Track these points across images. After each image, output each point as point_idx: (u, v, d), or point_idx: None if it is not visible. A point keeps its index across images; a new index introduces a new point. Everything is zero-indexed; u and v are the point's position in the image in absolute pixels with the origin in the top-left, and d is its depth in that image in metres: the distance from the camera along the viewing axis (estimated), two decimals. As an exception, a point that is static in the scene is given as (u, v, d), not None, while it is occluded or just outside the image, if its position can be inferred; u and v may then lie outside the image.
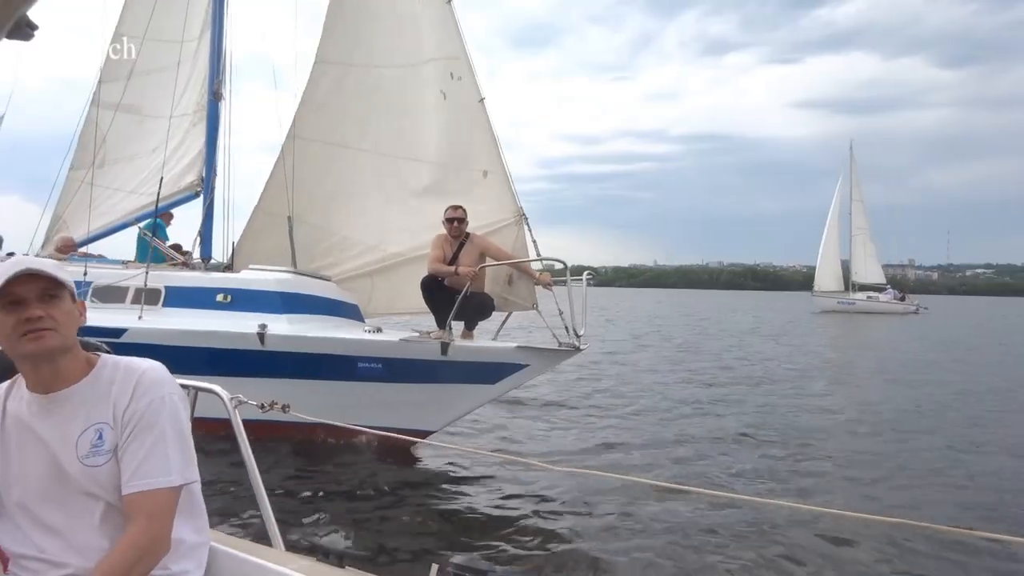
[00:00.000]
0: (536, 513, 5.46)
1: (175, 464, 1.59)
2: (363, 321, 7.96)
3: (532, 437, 8.23)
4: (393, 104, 8.58)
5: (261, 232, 9.42)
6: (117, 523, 1.58)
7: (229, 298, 7.33)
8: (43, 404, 1.62)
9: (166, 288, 7.51)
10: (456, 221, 6.81)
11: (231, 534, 1.96)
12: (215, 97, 8.81)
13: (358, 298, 8.18)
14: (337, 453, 6.93)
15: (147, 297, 7.40)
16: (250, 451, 2.11)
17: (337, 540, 4.32)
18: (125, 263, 8.85)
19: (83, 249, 9.37)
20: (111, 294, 7.62)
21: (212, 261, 8.87)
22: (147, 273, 7.50)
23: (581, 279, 6.50)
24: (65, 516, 1.58)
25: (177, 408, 1.66)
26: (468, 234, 6.87)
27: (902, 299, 52.41)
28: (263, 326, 6.87)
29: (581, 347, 6.39)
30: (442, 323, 6.77)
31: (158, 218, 9.79)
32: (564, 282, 6.47)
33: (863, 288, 52.55)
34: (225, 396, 2.20)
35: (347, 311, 7.86)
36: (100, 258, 9.45)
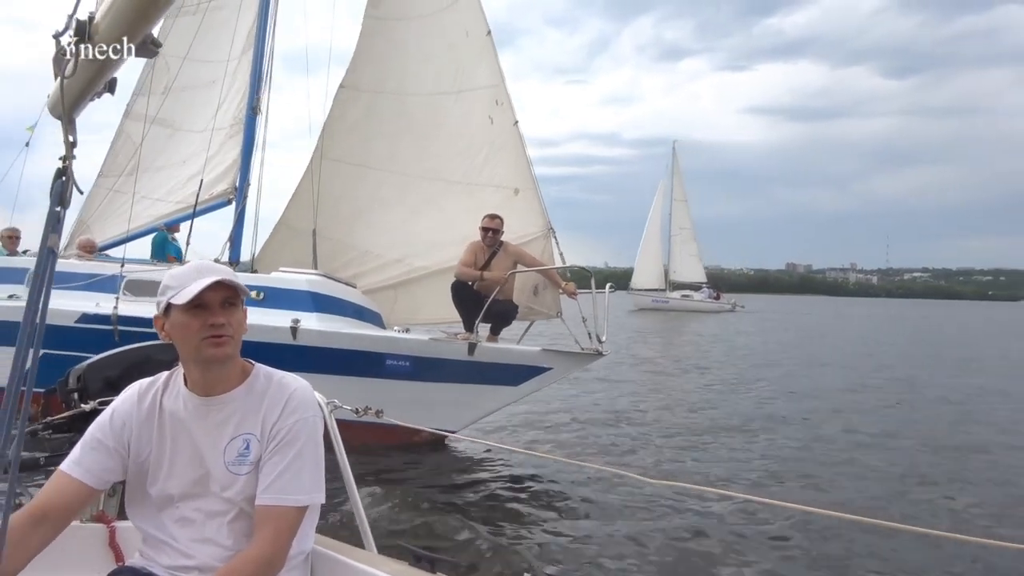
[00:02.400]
0: (632, 527, 5.31)
1: (307, 484, 1.65)
2: (385, 327, 8.25)
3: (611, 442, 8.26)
4: (425, 128, 9.09)
5: (283, 244, 9.79)
6: (245, 528, 1.65)
7: (262, 295, 7.58)
8: (199, 405, 1.69)
9: None
10: (491, 231, 7.17)
11: (322, 533, 1.96)
12: (253, 111, 9.23)
13: (380, 308, 8.49)
14: (412, 453, 7.07)
15: None
16: (344, 454, 2.14)
17: (426, 544, 4.39)
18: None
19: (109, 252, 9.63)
20: (145, 288, 7.84)
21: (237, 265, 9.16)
22: (182, 268, 7.76)
23: (603, 289, 6.87)
24: (201, 512, 1.67)
25: (318, 430, 1.72)
26: (502, 243, 7.23)
27: (716, 298, 54.48)
28: (296, 321, 7.13)
29: (604, 352, 6.72)
30: (469, 326, 7.08)
31: (166, 231, 10.13)
32: (585, 291, 6.88)
33: (679, 287, 53.86)
34: (321, 400, 2.23)
35: (371, 317, 8.14)
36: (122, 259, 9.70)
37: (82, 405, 2.34)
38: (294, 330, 7.07)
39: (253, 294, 7.66)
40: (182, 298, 1.63)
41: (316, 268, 8.94)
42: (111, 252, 9.96)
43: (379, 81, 9.78)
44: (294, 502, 1.63)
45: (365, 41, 10.12)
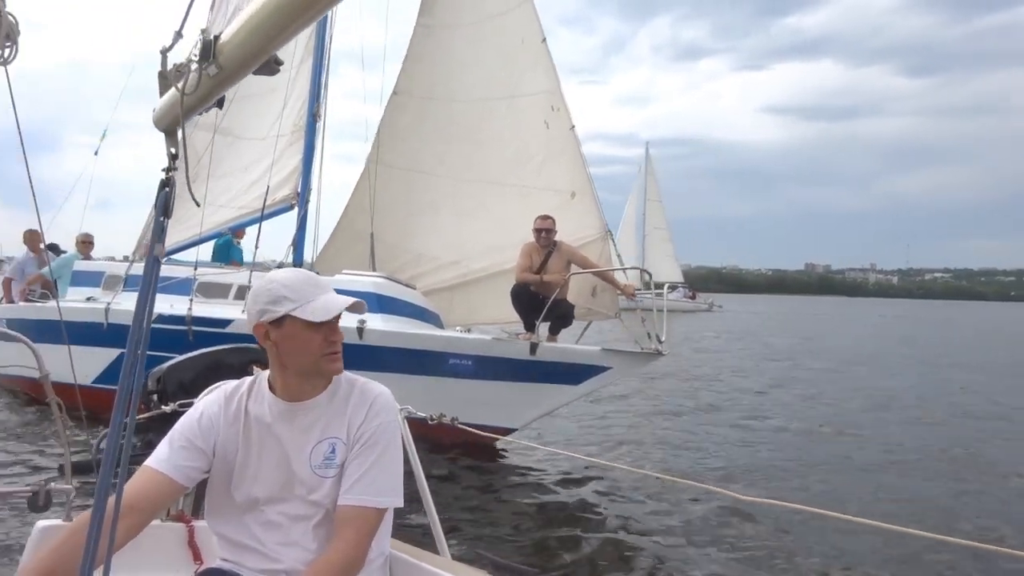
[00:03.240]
0: (717, 543, 5.13)
1: (388, 486, 1.68)
2: (444, 328, 8.48)
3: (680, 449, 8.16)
4: (476, 133, 9.32)
5: (342, 247, 10.11)
6: (330, 532, 1.68)
7: None
8: (285, 410, 1.71)
9: None
10: (544, 232, 7.35)
11: (395, 537, 1.98)
12: (314, 118, 9.53)
13: (437, 309, 8.72)
14: (477, 456, 7.03)
15: None
16: (418, 459, 2.15)
17: (501, 553, 4.54)
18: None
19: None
20: (215, 290, 8.19)
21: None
22: (251, 273, 8.07)
23: (662, 290, 7.01)
24: (287, 516, 1.69)
25: (398, 434, 1.76)
26: (556, 243, 7.41)
27: (692, 297, 54.72)
28: (362, 321, 7.38)
29: (663, 352, 6.86)
30: (530, 326, 7.27)
31: (230, 234, 10.50)
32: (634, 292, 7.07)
33: (657, 287, 53.38)
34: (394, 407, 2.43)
35: (431, 318, 8.38)
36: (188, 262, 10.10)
37: (162, 407, 2.42)
38: (360, 330, 7.31)
39: None
40: (312, 314, 1.65)
41: (374, 271, 9.23)
42: (177, 256, 10.35)
43: (430, 87, 10.03)
44: (375, 503, 1.65)
45: (416, 48, 10.39)
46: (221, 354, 2.55)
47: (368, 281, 8.02)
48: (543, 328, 7.33)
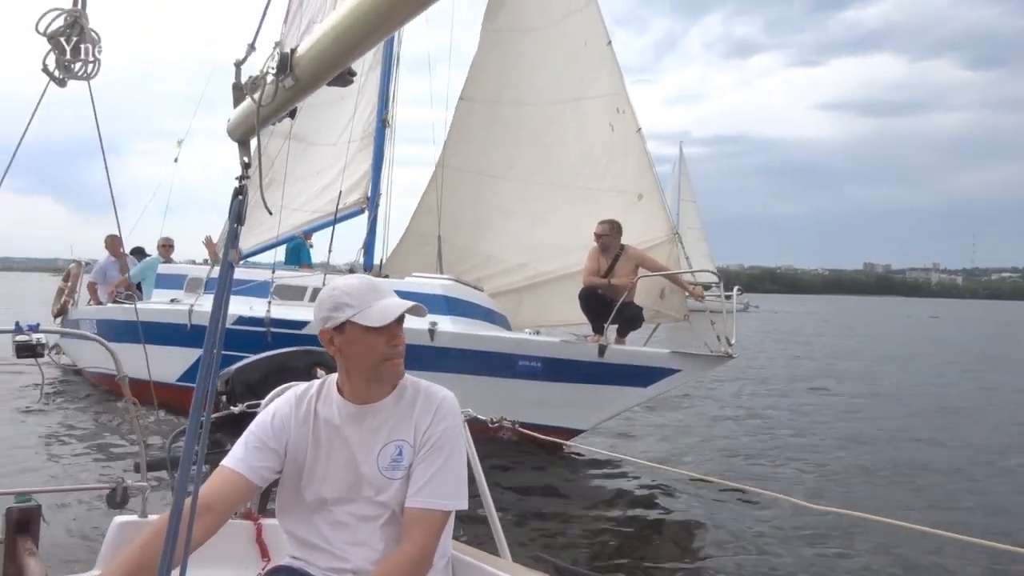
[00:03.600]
0: (780, 551, 5.01)
1: (453, 489, 1.70)
2: (511, 330, 8.59)
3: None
4: (543, 136, 9.40)
5: (411, 250, 10.32)
6: (396, 532, 1.70)
7: None
8: (353, 412, 1.75)
9: None
10: (602, 237, 7.37)
11: (456, 539, 1.99)
12: (383, 124, 9.76)
13: (505, 311, 8.84)
14: (540, 458, 7.00)
15: None
16: (479, 462, 2.17)
17: (561, 555, 4.54)
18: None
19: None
20: (291, 293, 8.46)
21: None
22: (325, 276, 8.33)
23: (732, 292, 6.97)
24: (354, 517, 1.72)
25: (463, 437, 1.80)
26: (623, 246, 7.43)
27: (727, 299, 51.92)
28: (433, 324, 7.54)
29: (733, 354, 6.83)
30: (599, 329, 7.32)
31: (301, 238, 10.82)
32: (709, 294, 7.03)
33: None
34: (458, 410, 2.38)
35: (500, 320, 8.50)
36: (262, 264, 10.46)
37: (231, 408, 2.46)
38: (432, 332, 7.47)
39: None
40: (370, 320, 1.68)
41: (441, 273, 9.40)
42: (253, 259, 10.73)
43: (497, 92, 10.16)
44: (442, 506, 1.68)
45: (483, 53, 10.53)
46: (286, 357, 2.60)
47: (437, 284, 8.18)
48: (611, 331, 7.36)
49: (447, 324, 7.66)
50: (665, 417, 9.90)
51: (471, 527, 3.44)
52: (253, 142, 1.44)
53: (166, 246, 10.36)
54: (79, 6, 1.59)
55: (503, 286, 9.27)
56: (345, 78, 1.28)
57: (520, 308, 9.07)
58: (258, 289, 8.37)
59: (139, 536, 1.75)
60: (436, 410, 1.74)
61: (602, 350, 7.14)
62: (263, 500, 2.29)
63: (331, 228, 10.36)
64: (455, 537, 1.89)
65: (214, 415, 2.42)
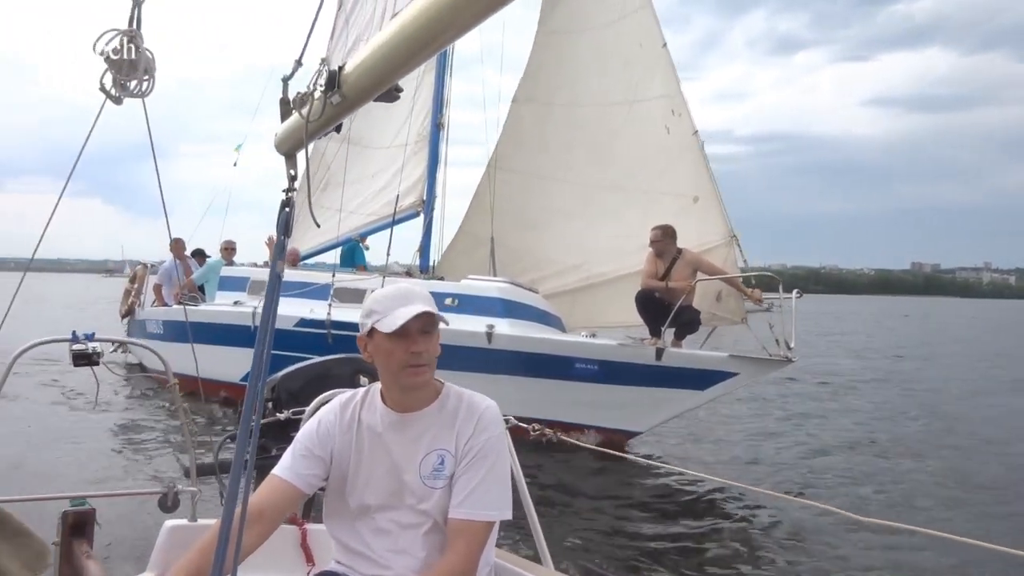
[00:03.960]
0: (824, 562, 4.85)
1: (497, 500, 1.70)
2: (565, 331, 8.66)
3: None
4: (598, 138, 9.43)
5: (463, 251, 10.46)
6: (437, 541, 1.71)
7: (456, 302, 8.18)
8: (395, 421, 1.75)
9: None
10: (656, 243, 7.38)
11: (498, 546, 1.96)
12: (438, 127, 9.91)
13: (559, 312, 8.91)
14: (586, 464, 6.79)
15: None
16: (520, 469, 2.14)
17: (604, 565, 4.52)
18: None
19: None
20: (350, 295, 8.65)
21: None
22: (384, 279, 8.50)
23: (791, 295, 6.92)
24: (396, 524, 1.73)
25: (505, 447, 1.78)
26: (680, 250, 7.44)
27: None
28: (490, 326, 7.65)
29: (793, 358, 6.79)
30: (656, 332, 7.34)
31: (356, 241, 11.02)
32: (767, 297, 6.99)
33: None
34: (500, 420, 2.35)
35: (554, 321, 8.58)
36: (320, 265, 10.72)
37: (276, 414, 2.49)
38: (489, 335, 7.58)
39: (448, 301, 8.29)
40: (386, 326, 1.69)
41: (495, 274, 9.51)
42: (310, 261, 11.01)
43: (551, 93, 10.21)
44: (485, 517, 1.68)
45: (537, 55, 10.59)
46: (330, 364, 2.63)
47: (493, 286, 8.29)
48: (667, 334, 7.38)
49: (504, 327, 7.76)
50: (718, 421, 9.78)
51: (515, 535, 3.46)
52: (300, 155, 1.45)
53: (228, 249, 10.67)
54: (135, 26, 1.64)
55: (557, 287, 9.33)
56: (392, 94, 1.30)
57: (574, 309, 9.13)
58: (318, 292, 8.58)
59: (189, 540, 1.84)
60: (478, 420, 1.73)
61: (659, 353, 7.17)
62: (308, 506, 2.31)
63: (386, 230, 10.59)
64: (498, 544, 1.88)
65: (261, 421, 2.38)
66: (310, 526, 2.29)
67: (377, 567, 1.70)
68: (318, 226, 10.77)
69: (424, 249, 9.85)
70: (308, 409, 2.17)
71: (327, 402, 1.90)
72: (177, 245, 10.71)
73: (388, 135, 10.95)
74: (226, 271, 10.13)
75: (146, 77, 1.69)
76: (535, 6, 10.86)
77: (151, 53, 1.66)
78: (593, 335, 7.85)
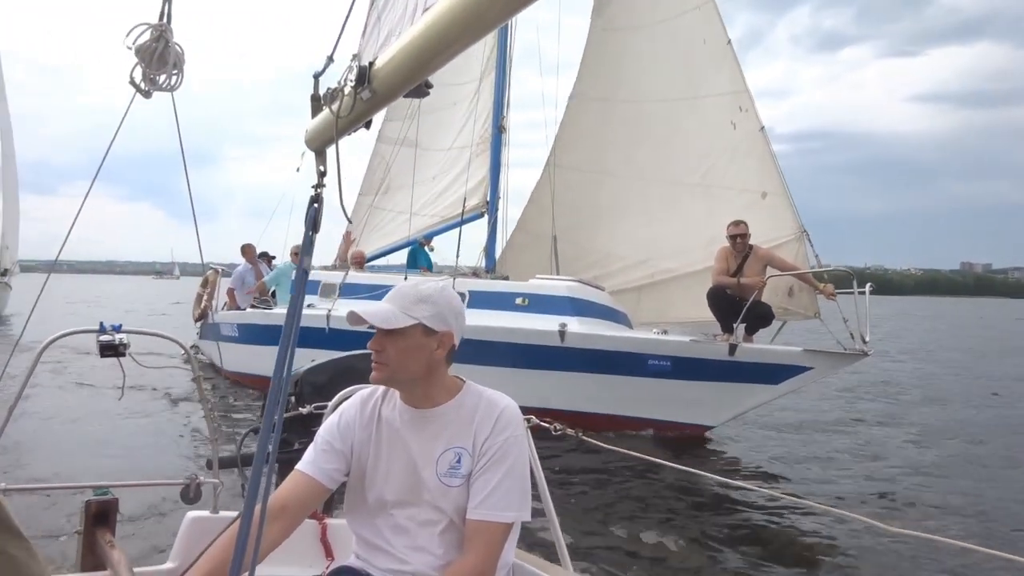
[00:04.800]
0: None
1: (516, 501, 1.69)
2: (632, 327, 8.79)
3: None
4: (659, 134, 9.52)
5: (523, 248, 10.64)
6: (454, 539, 1.71)
7: (527, 301, 8.37)
8: (413, 417, 1.76)
9: (470, 292, 8.67)
10: (739, 237, 7.47)
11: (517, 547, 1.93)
12: (499, 130, 10.08)
13: (624, 308, 9.04)
14: (612, 467, 6.56)
15: None
16: (540, 467, 2.14)
17: (623, 566, 4.47)
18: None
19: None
20: (421, 297, 8.90)
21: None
22: (454, 279, 8.73)
23: (864, 289, 6.95)
24: (414, 521, 1.73)
25: (525, 447, 1.76)
26: (751, 247, 7.51)
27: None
28: (563, 325, 7.82)
29: (868, 352, 6.84)
30: (728, 328, 7.43)
31: (420, 244, 11.27)
32: (841, 292, 7.04)
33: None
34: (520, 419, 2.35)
35: (621, 318, 8.71)
36: (388, 267, 11.00)
37: (299, 409, 2.51)
38: (562, 333, 7.75)
39: (519, 300, 8.48)
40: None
41: (557, 272, 9.68)
42: (376, 262, 11.29)
43: (609, 89, 10.31)
44: (504, 518, 1.67)
45: (592, 51, 10.70)
46: (352, 359, 2.64)
47: (562, 285, 8.45)
48: (740, 329, 7.47)
49: (575, 325, 7.92)
50: (759, 420, 9.02)
51: (531, 533, 3.41)
52: (330, 151, 1.45)
53: (298, 253, 10.97)
54: (165, 21, 1.64)
55: (622, 283, 9.46)
56: (422, 90, 1.30)
57: (639, 305, 9.26)
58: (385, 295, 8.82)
59: (211, 531, 1.91)
60: (497, 419, 1.72)
61: (732, 349, 7.26)
62: (328, 501, 2.32)
63: (449, 231, 10.83)
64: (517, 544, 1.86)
65: (284, 415, 2.49)
66: (330, 521, 2.31)
67: (396, 562, 1.72)
68: (350, 222, 10.95)
69: (489, 250, 10.05)
70: (330, 404, 2.17)
71: (348, 397, 1.91)
72: (248, 250, 11.06)
73: (448, 137, 11.17)
74: (294, 274, 10.44)
75: (175, 71, 1.68)
76: (574, 8, 11.00)
77: (180, 47, 1.66)
78: (664, 332, 7.96)
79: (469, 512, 1.68)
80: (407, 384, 1.74)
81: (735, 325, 7.30)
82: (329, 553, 2.25)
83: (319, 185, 1.35)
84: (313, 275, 10.46)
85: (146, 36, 1.62)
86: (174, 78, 1.68)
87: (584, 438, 2.65)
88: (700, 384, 7.49)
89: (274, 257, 12.31)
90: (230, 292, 11.44)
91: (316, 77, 1.46)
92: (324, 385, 2.54)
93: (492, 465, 1.69)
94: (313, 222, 1.32)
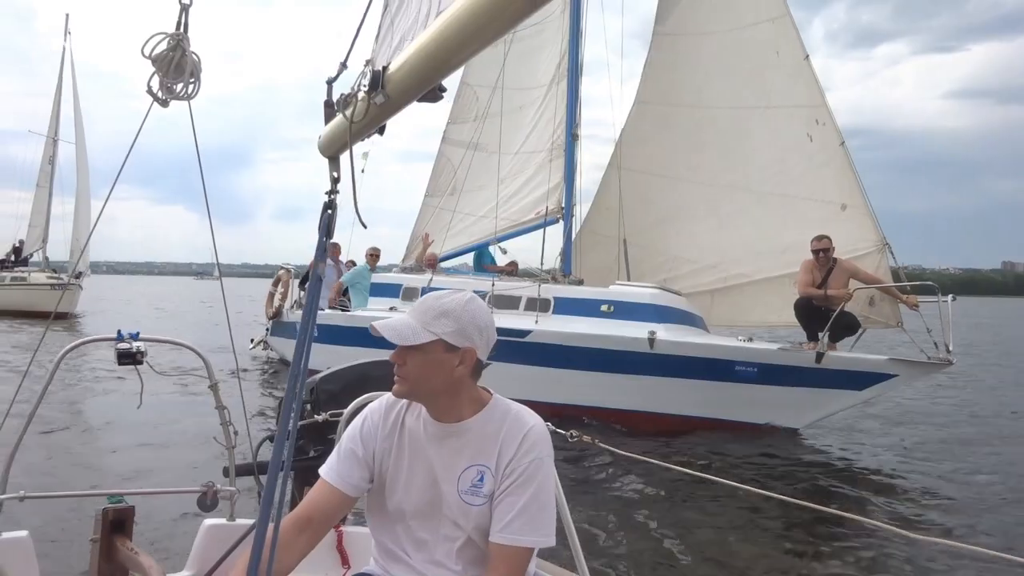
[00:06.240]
0: None
1: (541, 526, 1.64)
2: (708, 331, 9.18)
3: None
4: (727, 140, 9.83)
5: (590, 250, 11.00)
6: (472, 556, 1.67)
7: (612, 308, 8.75)
8: (436, 431, 1.71)
9: (554, 299, 9.07)
10: (822, 252, 7.82)
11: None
12: (573, 137, 10.41)
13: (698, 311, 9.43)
14: (630, 475, 6.44)
15: (540, 305, 8.99)
16: (557, 476, 2.14)
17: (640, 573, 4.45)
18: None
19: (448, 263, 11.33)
20: (506, 302, 9.27)
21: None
22: (539, 286, 9.11)
23: (947, 299, 7.32)
24: (432, 534, 1.70)
25: (551, 470, 1.71)
26: (836, 260, 7.88)
27: None
28: (652, 333, 8.21)
29: (952, 360, 7.23)
30: (813, 336, 7.83)
31: (485, 247, 11.62)
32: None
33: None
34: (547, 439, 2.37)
35: (698, 322, 9.11)
36: (457, 270, 11.38)
37: (315, 416, 2.48)
38: (651, 340, 8.15)
39: (604, 307, 8.86)
40: None
41: (628, 275, 10.05)
42: (448, 264, 11.66)
43: (673, 95, 10.60)
44: (529, 543, 1.63)
45: (656, 57, 10.98)
46: (367, 367, 2.62)
47: (646, 292, 8.83)
48: (824, 337, 7.86)
49: (662, 332, 8.31)
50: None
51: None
52: (344, 157, 1.43)
53: (373, 256, 11.35)
54: (182, 30, 1.65)
55: (693, 287, 9.82)
56: (435, 94, 1.29)
57: (712, 308, 9.63)
58: None
59: (228, 539, 1.97)
60: (523, 439, 1.66)
61: (819, 357, 7.65)
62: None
63: (522, 236, 11.19)
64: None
65: (299, 423, 2.46)
66: (346, 528, 2.32)
67: (414, 573, 1.70)
68: (364, 227, 11.18)
69: (566, 254, 10.41)
70: (346, 411, 2.16)
71: (363, 405, 1.88)
72: (335, 249, 11.46)
73: (516, 141, 11.46)
74: (376, 278, 10.81)
75: (192, 80, 1.69)
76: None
77: (197, 56, 1.67)
78: (750, 339, 8.35)
79: (492, 535, 1.63)
80: (429, 398, 1.69)
81: (820, 334, 7.69)
82: (345, 561, 2.26)
83: (332, 192, 1.34)
84: (395, 278, 10.98)
85: (163, 46, 1.63)
86: (191, 87, 1.69)
87: (602, 445, 2.55)
88: (786, 389, 7.90)
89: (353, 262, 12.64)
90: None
91: (329, 83, 1.46)
92: (339, 393, 2.52)
93: (517, 488, 1.63)
94: (327, 228, 1.31)
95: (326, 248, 1.34)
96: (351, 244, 12.25)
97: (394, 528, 1.74)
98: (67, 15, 28.30)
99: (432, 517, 1.69)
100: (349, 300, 11.06)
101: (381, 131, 1.43)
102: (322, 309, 11.36)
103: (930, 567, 4.65)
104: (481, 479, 1.65)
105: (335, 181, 1.37)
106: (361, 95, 1.34)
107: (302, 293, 12.55)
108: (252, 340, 13.54)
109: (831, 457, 7.66)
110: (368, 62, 1.42)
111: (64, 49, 27.83)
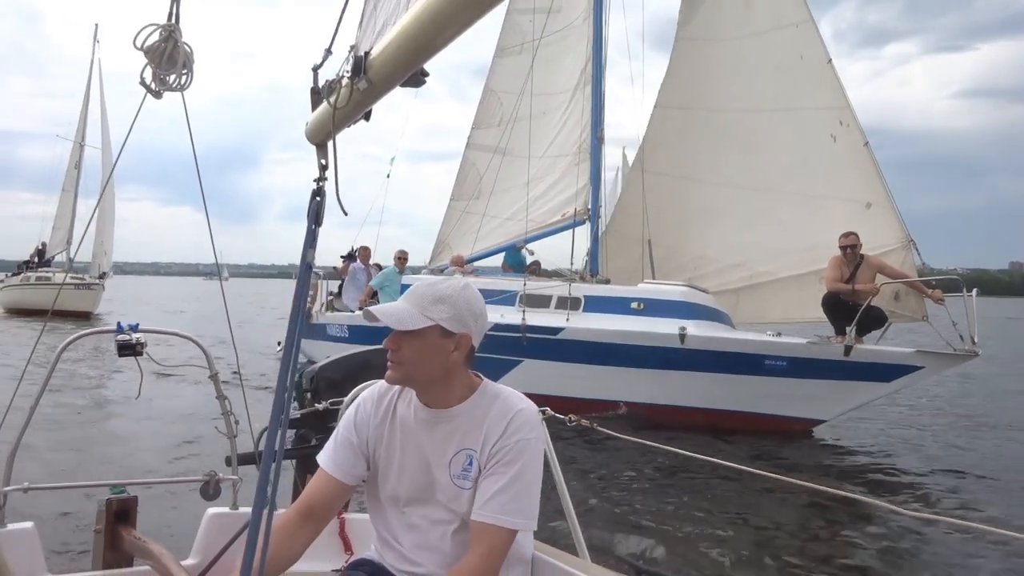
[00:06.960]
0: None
1: (523, 507, 1.64)
2: (735, 328, 9.41)
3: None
4: (749, 142, 10.07)
5: (614, 250, 11.24)
6: (465, 540, 1.67)
7: (642, 305, 8.99)
8: (427, 417, 1.72)
9: (584, 297, 9.31)
10: (849, 248, 8.06)
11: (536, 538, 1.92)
12: (598, 141, 10.67)
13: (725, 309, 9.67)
14: (634, 461, 6.60)
15: (571, 304, 9.23)
16: (556, 459, 2.13)
17: (643, 558, 4.48)
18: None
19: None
20: (537, 300, 9.51)
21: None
22: (570, 285, 9.36)
23: (971, 294, 7.54)
24: (426, 520, 1.71)
25: (538, 453, 1.70)
26: (863, 256, 8.11)
27: None
28: (683, 328, 8.45)
29: (978, 352, 7.45)
30: (841, 331, 8.05)
31: (514, 248, 11.88)
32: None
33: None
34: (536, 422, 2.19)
35: (725, 319, 9.34)
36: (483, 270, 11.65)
37: (316, 405, 2.50)
38: (682, 336, 8.38)
39: (634, 304, 9.10)
40: None
41: (653, 274, 10.29)
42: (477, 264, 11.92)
43: (695, 98, 10.86)
44: (508, 524, 1.62)
45: (678, 60, 11.24)
46: (367, 355, 2.61)
47: (676, 290, 9.07)
48: (852, 331, 8.08)
49: (692, 328, 8.54)
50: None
51: (549, 526, 3.13)
52: (331, 144, 1.44)
53: (401, 258, 11.61)
54: (173, 21, 1.65)
55: (719, 285, 10.06)
56: (418, 79, 1.28)
57: (738, 306, 9.86)
58: (505, 298, 9.42)
59: (231, 528, 2.05)
60: (509, 422, 1.66)
61: (847, 350, 7.88)
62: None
63: (552, 237, 11.44)
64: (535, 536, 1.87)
65: (300, 411, 2.55)
66: (348, 515, 2.34)
67: (406, 562, 1.71)
68: (345, 214, 11.36)
69: (593, 254, 10.66)
70: (346, 400, 2.17)
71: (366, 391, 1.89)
72: (364, 252, 11.74)
73: (541, 144, 11.72)
74: (407, 280, 11.07)
75: (184, 71, 1.68)
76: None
77: (189, 47, 1.67)
78: (778, 334, 8.57)
79: (474, 512, 1.63)
80: (423, 385, 1.70)
81: (848, 328, 7.91)
82: (348, 547, 2.29)
83: (320, 179, 1.34)
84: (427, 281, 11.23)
85: (155, 37, 1.63)
86: (184, 78, 1.69)
87: (599, 427, 2.57)
88: (815, 382, 8.12)
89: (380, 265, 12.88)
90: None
91: (315, 70, 1.45)
92: (339, 381, 2.52)
93: (500, 467, 1.64)
94: (316, 216, 1.30)
95: (315, 236, 1.31)
96: (376, 245, 12.53)
97: (387, 515, 1.76)
98: (96, 25, 29.25)
99: (426, 503, 1.71)
100: (379, 303, 11.31)
101: (367, 117, 1.44)
102: (353, 311, 11.63)
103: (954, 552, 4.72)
104: (470, 463, 1.66)
105: (323, 168, 1.37)
106: (344, 81, 1.36)
107: (331, 296, 12.83)
108: (279, 343, 13.77)
109: (840, 443, 8.03)
110: (352, 48, 1.43)
111: (92, 58, 28.61)
